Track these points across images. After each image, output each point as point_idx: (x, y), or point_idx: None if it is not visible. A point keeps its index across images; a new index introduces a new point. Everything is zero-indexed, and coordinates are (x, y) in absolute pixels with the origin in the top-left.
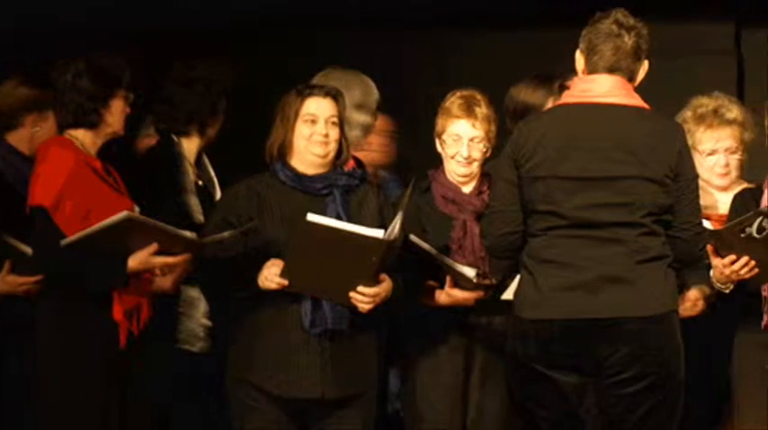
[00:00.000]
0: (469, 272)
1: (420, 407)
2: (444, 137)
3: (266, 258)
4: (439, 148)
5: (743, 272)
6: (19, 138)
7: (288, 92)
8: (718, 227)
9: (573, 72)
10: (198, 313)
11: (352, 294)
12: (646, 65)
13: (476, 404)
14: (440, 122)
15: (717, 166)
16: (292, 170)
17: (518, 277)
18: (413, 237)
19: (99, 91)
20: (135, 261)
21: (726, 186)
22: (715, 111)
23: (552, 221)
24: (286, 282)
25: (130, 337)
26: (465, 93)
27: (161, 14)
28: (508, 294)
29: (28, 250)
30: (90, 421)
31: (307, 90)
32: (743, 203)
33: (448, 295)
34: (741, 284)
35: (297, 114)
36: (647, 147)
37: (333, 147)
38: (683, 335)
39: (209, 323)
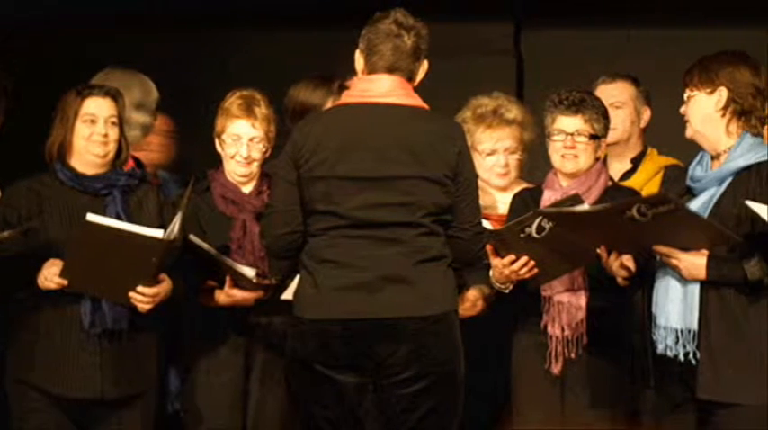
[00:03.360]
0: (249, 272)
1: (200, 406)
2: (224, 137)
3: (46, 258)
4: (218, 148)
5: (522, 272)
6: None
7: (67, 92)
8: (498, 227)
9: (353, 72)
10: None
11: (131, 294)
12: (425, 65)
13: (256, 404)
14: (219, 122)
15: (496, 166)
16: (72, 170)
17: (298, 277)
18: (192, 237)
19: None
20: None
21: (505, 186)
22: (494, 111)
23: (332, 221)
24: (65, 282)
25: None
26: (245, 92)
27: None
28: (288, 294)
29: None
30: None
31: (86, 90)
32: (523, 203)
33: (227, 295)
34: (521, 284)
35: (76, 114)
36: (427, 147)
37: (112, 147)
38: (463, 336)
39: None
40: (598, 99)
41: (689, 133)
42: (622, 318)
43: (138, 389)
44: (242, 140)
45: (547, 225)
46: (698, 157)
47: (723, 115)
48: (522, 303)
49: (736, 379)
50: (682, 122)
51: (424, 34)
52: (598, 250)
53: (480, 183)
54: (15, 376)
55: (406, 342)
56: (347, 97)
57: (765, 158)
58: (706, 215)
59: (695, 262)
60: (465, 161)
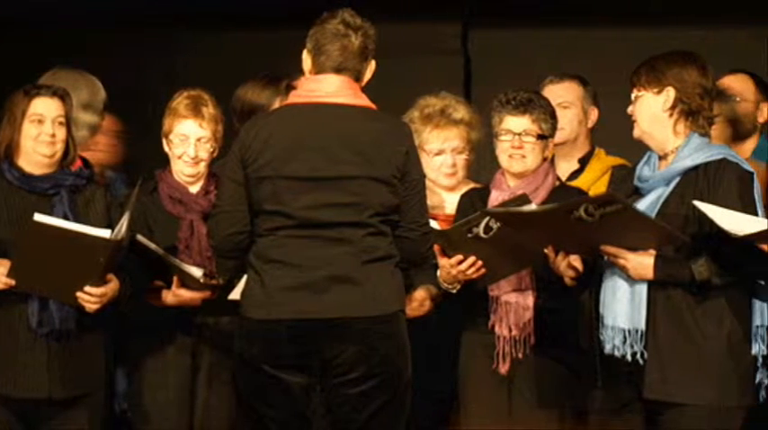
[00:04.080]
0: (196, 272)
1: (147, 407)
2: (171, 137)
3: None
4: (166, 148)
5: (470, 272)
6: None
7: (14, 91)
8: (446, 227)
9: (300, 72)
10: None
11: (79, 294)
12: (373, 65)
13: (203, 404)
14: (167, 122)
15: (444, 166)
16: (19, 170)
17: (245, 277)
18: (140, 237)
19: None
20: None
21: (453, 186)
22: (442, 111)
23: (279, 221)
24: (13, 282)
25: None
26: (192, 92)
27: None
28: (235, 294)
29: None
30: None
31: (34, 90)
32: (470, 203)
33: (175, 295)
34: (468, 284)
35: (24, 114)
36: (374, 147)
37: (60, 147)
38: (410, 336)
39: None
40: (545, 99)
41: (636, 133)
42: (570, 318)
43: (85, 389)
44: (189, 140)
45: (494, 225)
46: (645, 157)
47: (671, 115)
48: (470, 303)
49: (683, 379)
50: (629, 122)
51: (372, 34)
52: (545, 250)
53: (428, 183)
54: None
55: (354, 342)
56: (294, 97)
57: (713, 158)
58: (653, 215)
59: (643, 262)
60: (412, 161)
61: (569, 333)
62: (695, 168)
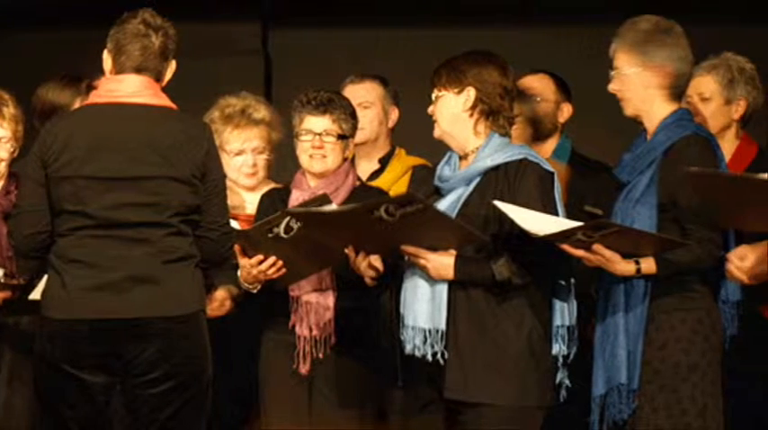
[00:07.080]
0: None
1: None
2: None
3: None
4: None
5: (270, 272)
6: None
7: None
8: (246, 227)
9: (101, 72)
10: None
11: None
12: (173, 65)
13: (4, 404)
14: None
15: (244, 166)
16: None
17: (46, 277)
18: None
19: None
20: None
21: (253, 186)
22: (242, 111)
23: (79, 221)
24: None
25: None
26: None
27: None
28: (36, 294)
29: None
30: None
31: None
32: (271, 203)
33: None
34: (269, 284)
35: None
36: (175, 147)
37: None
38: (211, 335)
39: None
40: (346, 99)
41: (437, 133)
42: (371, 318)
43: None
44: None
45: (295, 225)
46: (446, 157)
47: (471, 115)
48: (271, 303)
49: (483, 379)
50: (430, 122)
51: (172, 34)
52: (346, 250)
53: (228, 183)
54: None
55: (154, 342)
56: (95, 97)
57: (513, 158)
58: (454, 215)
59: (443, 262)
60: (213, 161)
61: (370, 333)
62: (496, 168)
